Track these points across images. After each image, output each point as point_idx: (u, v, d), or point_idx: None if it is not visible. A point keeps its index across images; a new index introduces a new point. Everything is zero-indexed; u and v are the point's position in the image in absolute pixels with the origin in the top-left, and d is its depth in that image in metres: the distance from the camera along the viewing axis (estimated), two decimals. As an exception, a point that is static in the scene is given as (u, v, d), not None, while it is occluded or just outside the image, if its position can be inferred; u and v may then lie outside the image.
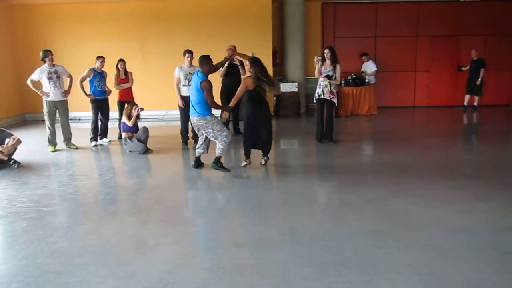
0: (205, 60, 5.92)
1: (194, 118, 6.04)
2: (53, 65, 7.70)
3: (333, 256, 3.58)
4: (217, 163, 6.17)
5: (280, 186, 5.71)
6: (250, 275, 3.30)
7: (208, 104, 5.89)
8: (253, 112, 6.21)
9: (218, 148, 6.06)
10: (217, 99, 8.79)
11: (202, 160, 6.44)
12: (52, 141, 7.85)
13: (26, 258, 3.66)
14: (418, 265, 3.39)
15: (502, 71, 12.44)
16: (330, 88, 7.60)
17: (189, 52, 7.84)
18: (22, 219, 4.59)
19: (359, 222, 4.29)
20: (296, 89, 11.34)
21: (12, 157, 6.82)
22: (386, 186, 5.44)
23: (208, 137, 6.12)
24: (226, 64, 8.27)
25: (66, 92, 7.87)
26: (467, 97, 11.82)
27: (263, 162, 6.44)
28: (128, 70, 8.56)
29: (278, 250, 3.70)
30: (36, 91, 7.75)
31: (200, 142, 6.27)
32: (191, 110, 6.04)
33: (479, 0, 12.20)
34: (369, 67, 11.80)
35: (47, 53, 7.63)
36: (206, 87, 5.80)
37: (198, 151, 6.31)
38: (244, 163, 6.41)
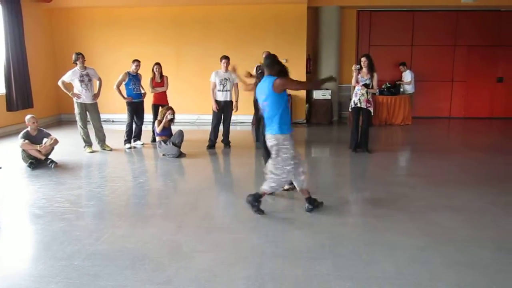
0: (276, 60, 4.68)
1: (266, 137, 4.74)
2: (85, 68, 7.79)
3: (375, 271, 3.45)
4: (257, 200, 4.75)
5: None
6: (291, 287, 3.21)
7: (284, 119, 4.56)
8: None
9: (268, 182, 4.67)
10: (251, 104, 8.85)
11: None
12: (88, 141, 7.96)
13: (64, 259, 3.67)
14: (465, 286, 3.23)
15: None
16: (367, 96, 7.47)
17: (226, 58, 7.85)
18: (60, 219, 4.62)
19: (401, 236, 4.14)
20: (329, 97, 11.20)
21: (49, 156, 6.94)
22: (426, 199, 5.27)
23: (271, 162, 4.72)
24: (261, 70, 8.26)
25: (96, 96, 7.95)
26: None
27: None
28: (163, 74, 8.62)
29: (318, 262, 3.60)
30: (67, 92, 7.80)
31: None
32: (267, 128, 4.71)
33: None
34: (406, 76, 11.58)
35: (79, 56, 7.73)
36: (284, 80, 4.52)
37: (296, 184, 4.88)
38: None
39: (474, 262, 3.62)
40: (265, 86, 4.59)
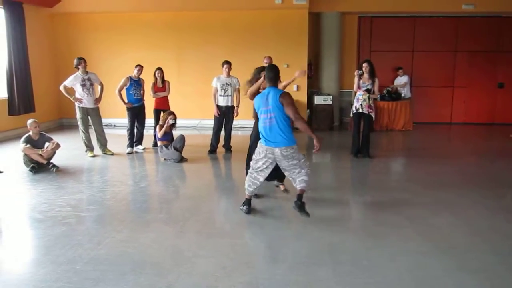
0: (278, 73, 4.73)
1: (279, 150, 4.56)
2: (87, 72, 7.83)
3: (375, 276, 3.46)
4: (302, 200, 4.66)
5: (316, 201, 5.56)
6: (291, 292, 3.22)
7: (291, 128, 4.64)
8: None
9: (303, 181, 4.68)
10: (252, 109, 8.83)
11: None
12: (89, 146, 7.98)
13: (66, 264, 3.68)
14: (467, 291, 3.25)
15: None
16: (369, 102, 7.49)
17: (228, 63, 7.89)
18: (61, 223, 4.64)
19: (401, 242, 4.15)
20: (330, 102, 11.20)
21: (51, 161, 6.96)
22: (426, 204, 5.28)
23: (290, 172, 4.72)
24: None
25: (97, 100, 7.98)
26: None
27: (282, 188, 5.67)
28: (165, 79, 8.65)
29: (318, 268, 3.60)
30: (69, 97, 7.87)
31: (261, 180, 4.92)
32: (268, 141, 4.60)
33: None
34: (400, 80, 11.66)
35: (81, 60, 7.77)
36: (291, 101, 4.53)
37: (252, 190, 5.00)
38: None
39: (474, 268, 3.62)
40: (271, 98, 4.52)
